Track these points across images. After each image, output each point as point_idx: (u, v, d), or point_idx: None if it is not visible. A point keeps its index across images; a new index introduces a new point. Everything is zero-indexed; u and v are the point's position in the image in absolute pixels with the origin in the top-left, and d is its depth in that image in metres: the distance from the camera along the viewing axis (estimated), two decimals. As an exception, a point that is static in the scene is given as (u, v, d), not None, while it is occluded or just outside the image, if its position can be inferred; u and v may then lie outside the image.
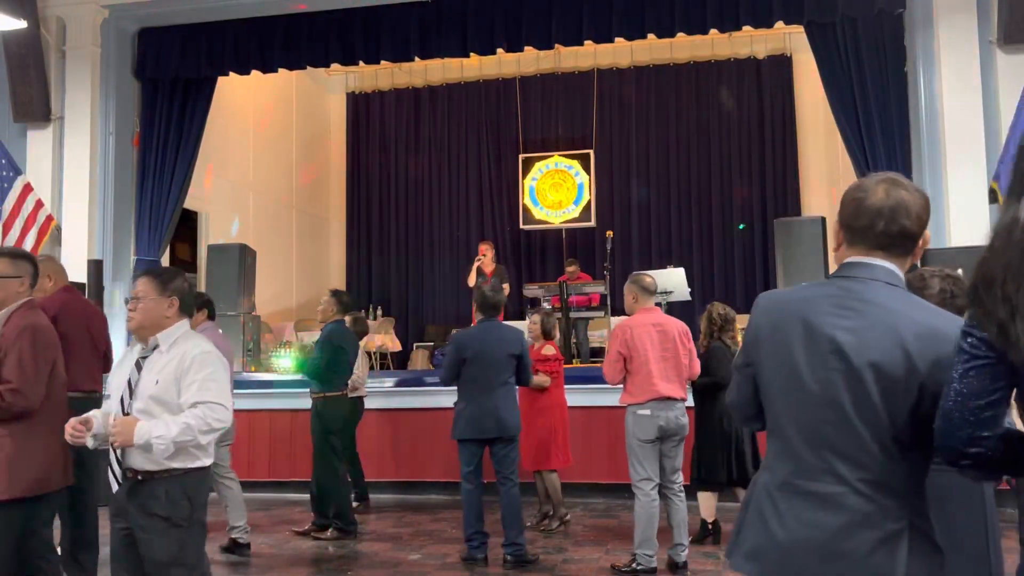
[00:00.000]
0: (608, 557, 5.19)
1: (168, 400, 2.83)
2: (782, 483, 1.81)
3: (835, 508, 1.74)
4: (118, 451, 2.83)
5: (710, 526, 5.52)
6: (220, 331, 5.55)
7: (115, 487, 2.87)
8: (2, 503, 3.16)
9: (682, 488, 5.01)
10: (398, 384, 7.68)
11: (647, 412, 4.80)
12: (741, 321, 4.88)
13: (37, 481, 3.24)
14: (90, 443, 2.81)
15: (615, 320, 9.94)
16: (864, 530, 1.71)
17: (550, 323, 6.12)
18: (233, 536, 5.39)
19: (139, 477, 2.82)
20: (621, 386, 5.01)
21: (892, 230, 1.81)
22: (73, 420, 2.79)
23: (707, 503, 5.51)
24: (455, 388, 5.28)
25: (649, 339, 4.87)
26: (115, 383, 2.95)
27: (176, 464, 2.82)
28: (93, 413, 2.90)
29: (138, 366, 2.91)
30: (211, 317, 5.37)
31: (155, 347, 2.94)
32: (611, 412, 6.93)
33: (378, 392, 7.29)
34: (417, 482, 7.28)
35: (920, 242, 1.85)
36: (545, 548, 5.47)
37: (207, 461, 2.93)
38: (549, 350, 5.95)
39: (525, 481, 5.55)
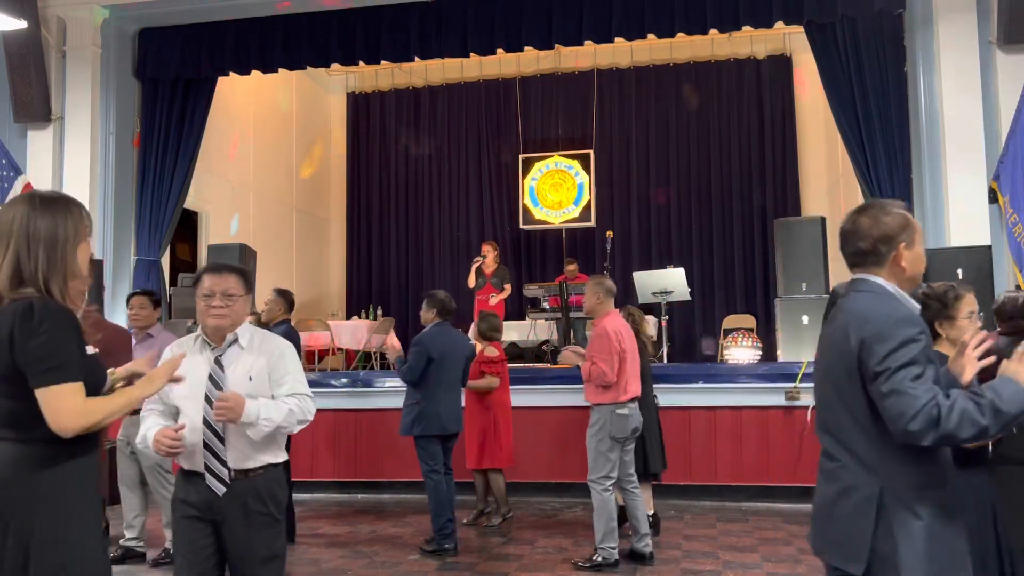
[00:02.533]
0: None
1: (262, 396, 2.82)
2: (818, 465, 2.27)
3: (832, 480, 2.16)
4: (220, 451, 2.76)
5: (650, 518, 5.60)
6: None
7: (220, 489, 2.76)
8: None
9: (637, 483, 5.19)
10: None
11: (626, 411, 4.97)
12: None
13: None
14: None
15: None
16: (847, 497, 2.11)
17: (486, 325, 6.33)
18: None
19: (239, 476, 2.79)
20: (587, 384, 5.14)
21: (848, 251, 2.25)
22: (168, 431, 2.65)
23: (646, 495, 5.65)
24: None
25: (629, 340, 5.09)
26: (187, 384, 2.71)
27: (269, 459, 2.83)
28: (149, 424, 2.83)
29: (219, 363, 2.82)
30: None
31: (230, 344, 2.85)
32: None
33: (387, 392, 7.32)
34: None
35: (892, 254, 2.17)
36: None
37: (285, 456, 2.94)
38: (492, 351, 6.20)
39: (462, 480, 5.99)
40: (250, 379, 2.81)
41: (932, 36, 6.95)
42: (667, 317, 8.58)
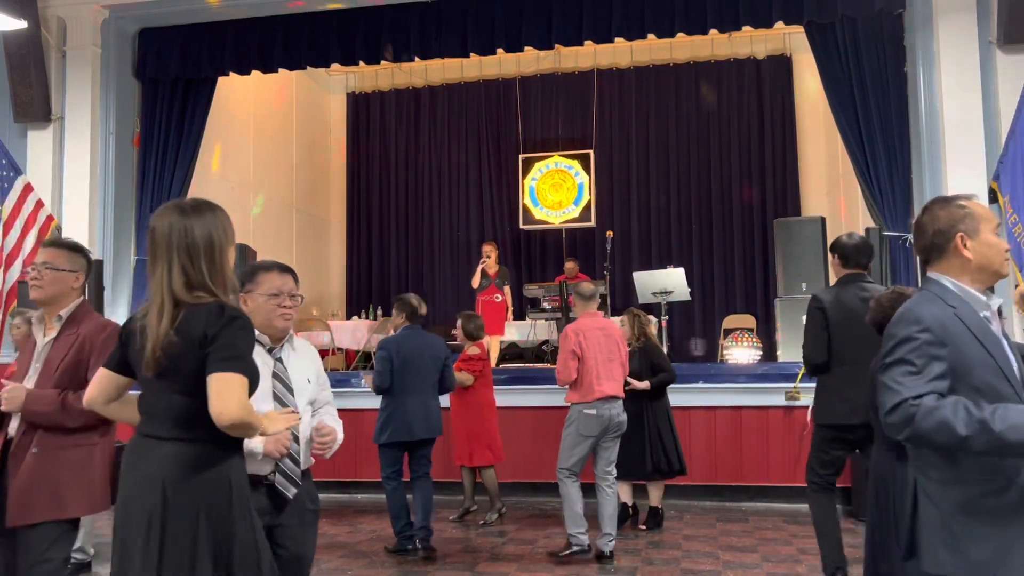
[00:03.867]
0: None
1: (315, 399, 2.93)
2: None
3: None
4: (296, 452, 2.76)
5: (631, 509, 5.96)
6: None
7: (292, 491, 2.77)
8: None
9: (615, 481, 5.28)
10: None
11: (593, 411, 5.11)
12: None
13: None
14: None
15: (615, 320, 9.95)
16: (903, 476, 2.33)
17: (472, 325, 6.38)
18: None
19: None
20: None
21: (917, 248, 2.36)
22: (284, 435, 2.66)
23: (656, 491, 6.01)
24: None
25: (596, 342, 5.19)
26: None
27: (311, 460, 2.92)
28: None
29: (282, 363, 2.83)
30: None
31: (284, 343, 2.86)
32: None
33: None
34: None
35: (950, 246, 2.20)
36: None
37: None
38: (474, 350, 6.27)
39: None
40: (309, 381, 2.86)
41: (932, 36, 6.94)
42: (667, 317, 8.58)
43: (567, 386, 5.23)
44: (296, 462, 2.77)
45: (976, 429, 1.89)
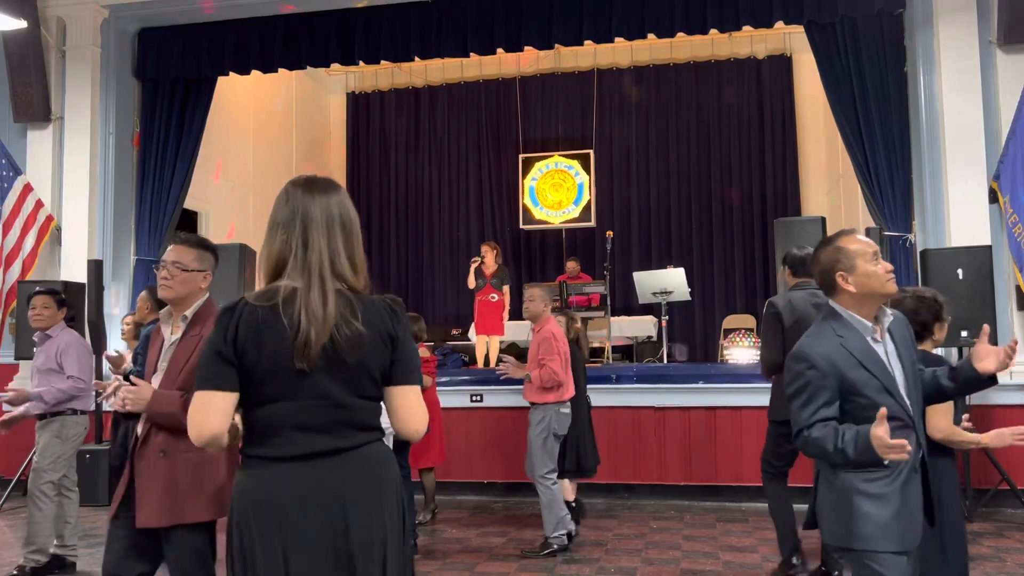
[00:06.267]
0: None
1: None
2: None
3: None
4: None
5: (574, 504, 5.99)
6: None
7: None
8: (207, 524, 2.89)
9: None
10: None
11: (567, 410, 5.37)
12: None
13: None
14: None
15: (615, 320, 9.97)
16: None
17: (415, 327, 6.43)
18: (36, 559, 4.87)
19: None
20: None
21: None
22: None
23: (572, 487, 6.06)
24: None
25: (565, 343, 5.46)
26: None
27: None
28: None
29: None
30: None
31: None
32: (610, 412, 6.96)
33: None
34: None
35: (836, 283, 2.52)
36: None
37: None
38: (423, 352, 6.28)
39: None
40: None
41: (932, 36, 6.94)
42: (667, 317, 8.58)
43: (545, 387, 5.30)
44: None
45: (839, 455, 2.32)
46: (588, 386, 6.24)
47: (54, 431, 4.87)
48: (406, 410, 1.97)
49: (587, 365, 6.42)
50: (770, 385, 4.80)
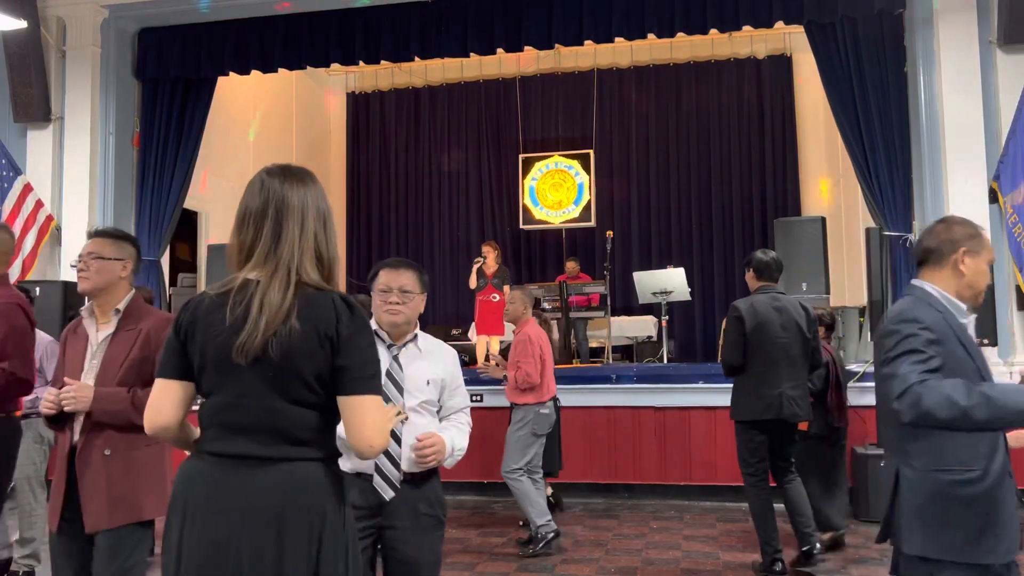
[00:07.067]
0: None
1: (435, 403, 2.77)
2: None
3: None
4: (396, 454, 2.64)
5: (552, 499, 6.11)
6: None
7: (389, 493, 2.62)
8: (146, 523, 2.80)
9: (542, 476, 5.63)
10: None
11: (548, 411, 5.47)
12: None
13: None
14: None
15: (615, 320, 9.97)
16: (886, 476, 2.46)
17: None
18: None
19: (409, 479, 2.67)
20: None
21: (915, 251, 2.57)
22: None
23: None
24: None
25: (546, 345, 5.59)
26: None
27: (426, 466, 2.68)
28: None
29: (398, 361, 2.72)
30: None
31: (407, 342, 2.77)
32: (609, 412, 6.96)
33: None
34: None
35: (952, 258, 2.38)
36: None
37: None
38: None
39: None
40: (428, 383, 2.74)
41: (932, 36, 6.94)
42: (667, 317, 8.58)
43: (523, 388, 5.38)
44: (395, 464, 2.63)
45: (977, 400, 2.03)
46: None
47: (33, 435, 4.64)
48: (356, 423, 1.77)
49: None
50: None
